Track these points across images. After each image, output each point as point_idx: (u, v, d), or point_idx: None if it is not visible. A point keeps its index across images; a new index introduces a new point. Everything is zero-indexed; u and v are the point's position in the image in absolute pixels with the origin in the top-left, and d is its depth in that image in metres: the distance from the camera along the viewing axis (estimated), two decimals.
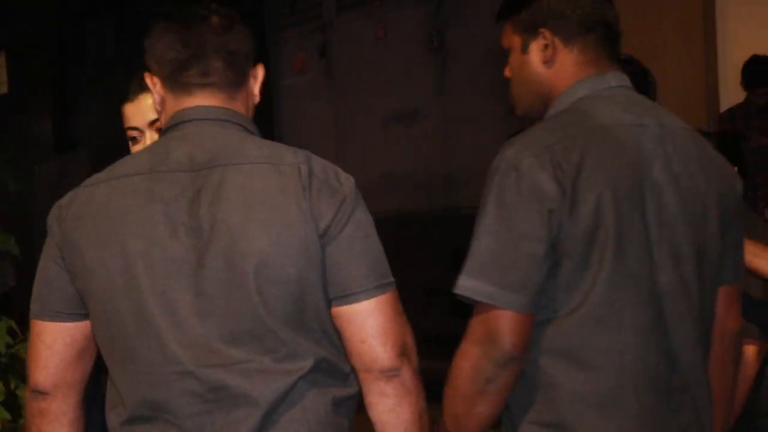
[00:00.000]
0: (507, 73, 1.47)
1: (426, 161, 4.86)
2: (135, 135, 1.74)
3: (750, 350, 1.86)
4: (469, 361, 1.26)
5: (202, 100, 1.27)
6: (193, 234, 1.20)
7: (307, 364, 1.21)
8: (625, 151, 1.32)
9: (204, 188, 1.21)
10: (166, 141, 1.27)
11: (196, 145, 1.24)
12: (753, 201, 4.28)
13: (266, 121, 5.89)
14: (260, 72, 1.34)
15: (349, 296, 1.22)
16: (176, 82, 1.27)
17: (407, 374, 1.23)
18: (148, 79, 1.30)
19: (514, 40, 1.44)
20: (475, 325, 1.26)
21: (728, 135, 2.49)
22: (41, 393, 1.28)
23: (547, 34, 1.39)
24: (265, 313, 1.19)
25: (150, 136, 1.73)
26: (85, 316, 1.27)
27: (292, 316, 1.21)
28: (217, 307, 1.20)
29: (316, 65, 5.49)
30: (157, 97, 1.31)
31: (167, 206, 1.21)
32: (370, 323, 1.22)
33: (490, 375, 1.25)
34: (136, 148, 1.76)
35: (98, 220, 1.23)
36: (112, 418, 1.26)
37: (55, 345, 1.28)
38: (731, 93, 4.46)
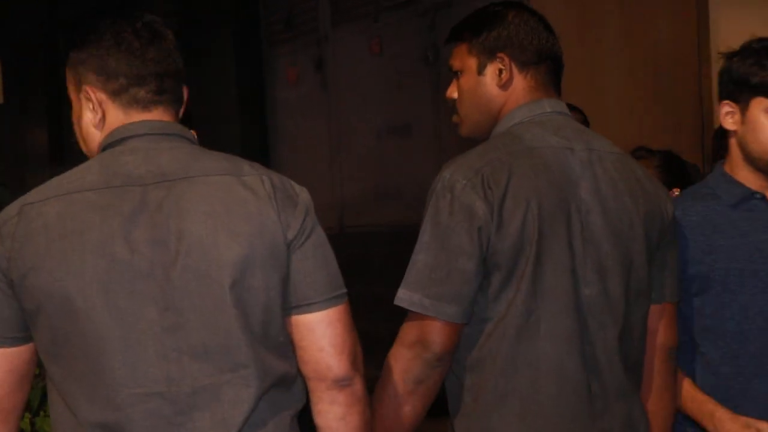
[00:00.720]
0: (452, 93, 1.52)
1: (420, 175, 4.87)
2: None
3: None
4: (400, 363, 1.35)
5: (152, 115, 1.24)
6: (158, 248, 1.16)
7: (268, 382, 1.20)
8: (551, 171, 1.39)
9: (165, 201, 1.18)
10: (114, 155, 1.22)
11: (150, 159, 1.21)
12: None
13: (260, 133, 5.89)
14: (186, 92, 1.32)
15: (312, 305, 1.22)
16: (126, 97, 1.24)
17: (358, 384, 1.25)
18: (90, 94, 1.24)
19: (469, 62, 1.49)
20: (408, 330, 1.36)
21: (673, 155, 2.55)
22: None
23: (506, 59, 1.45)
24: (239, 325, 1.17)
25: None
26: (26, 339, 1.20)
27: (260, 327, 1.20)
28: (187, 321, 1.16)
29: (311, 78, 5.51)
30: (98, 114, 1.25)
31: (126, 221, 1.16)
32: (329, 332, 1.23)
33: (421, 376, 1.35)
34: None
35: (53, 238, 1.16)
36: None
37: None
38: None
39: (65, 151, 7.51)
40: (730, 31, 4.38)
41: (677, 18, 4.40)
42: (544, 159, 1.40)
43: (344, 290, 1.26)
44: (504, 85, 1.47)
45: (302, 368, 1.25)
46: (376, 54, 5.23)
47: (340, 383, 1.24)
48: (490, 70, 1.47)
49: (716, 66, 4.57)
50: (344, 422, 1.24)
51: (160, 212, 1.17)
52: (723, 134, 4.47)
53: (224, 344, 1.17)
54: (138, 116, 1.23)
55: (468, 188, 1.33)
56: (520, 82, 1.47)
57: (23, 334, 1.19)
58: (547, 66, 1.49)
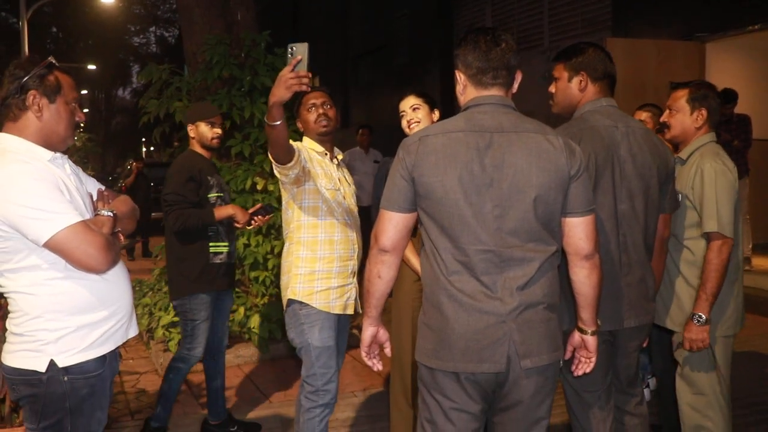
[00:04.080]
0: (552, 89, 2.32)
1: None
2: (402, 114, 2.83)
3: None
4: None
5: (493, 92, 1.78)
6: (496, 170, 1.69)
7: (552, 249, 1.76)
8: (603, 139, 2.14)
9: (503, 142, 1.71)
10: (473, 113, 1.75)
11: (494, 117, 1.74)
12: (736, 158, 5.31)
13: None
14: (519, 76, 1.84)
15: (576, 213, 1.79)
16: (477, 79, 1.78)
17: (597, 258, 1.85)
18: (458, 74, 1.79)
19: (563, 74, 2.27)
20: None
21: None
22: (385, 251, 1.82)
23: (584, 75, 2.22)
24: (534, 218, 1.73)
25: (409, 114, 2.82)
26: (415, 209, 1.78)
27: (548, 221, 1.76)
28: (506, 213, 1.70)
29: None
30: (461, 87, 1.81)
31: (478, 152, 1.70)
32: (585, 228, 1.81)
33: None
34: (403, 122, 2.82)
35: (438, 158, 1.71)
36: (437, 270, 1.76)
37: (398, 225, 1.81)
38: None
39: (348, 122, 12.07)
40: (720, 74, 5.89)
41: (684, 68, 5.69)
42: (600, 132, 2.10)
43: (593, 206, 1.77)
44: (582, 90, 2.21)
45: (566, 248, 1.81)
46: None
47: (588, 256, 1.82)
48: (575, 81, 2.23)
49: None
50: (589, 279, 1.83)
51: (499, 149, 1.69)
52: None
53: (527, 228, 1.72)
54: (483, 92, 1.77)
55: None
56: (591, 89, 2.21)
57: (414, 207, 1.79)
58: (608, 81, 2.22)
